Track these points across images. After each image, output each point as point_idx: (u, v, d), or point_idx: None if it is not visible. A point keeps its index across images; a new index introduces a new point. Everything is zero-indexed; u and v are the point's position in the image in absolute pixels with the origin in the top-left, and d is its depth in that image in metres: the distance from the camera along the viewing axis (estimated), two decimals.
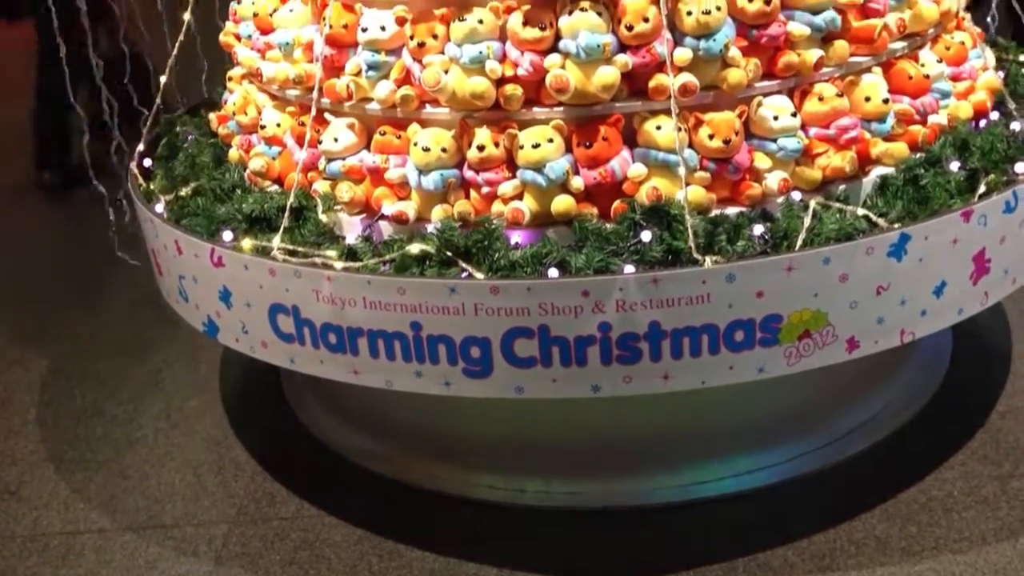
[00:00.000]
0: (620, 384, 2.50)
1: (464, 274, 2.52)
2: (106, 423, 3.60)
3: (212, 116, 3.48)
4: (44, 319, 4.34)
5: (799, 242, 2.48)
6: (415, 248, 2.58)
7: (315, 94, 2.79)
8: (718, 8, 2.57)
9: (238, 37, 3.29)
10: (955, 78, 2.99)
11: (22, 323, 4.31)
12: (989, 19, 4.01)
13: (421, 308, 2.50)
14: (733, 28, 2.61)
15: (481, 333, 2.49)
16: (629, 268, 2.44)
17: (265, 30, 3.09)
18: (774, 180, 2.65)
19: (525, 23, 2.61)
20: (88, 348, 4.08)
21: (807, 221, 2.54)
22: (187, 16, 3.33)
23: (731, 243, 2.50)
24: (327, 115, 2.88)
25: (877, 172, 2.75)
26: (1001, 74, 3.19)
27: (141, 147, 3.42)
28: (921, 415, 3.16)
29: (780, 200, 2.64)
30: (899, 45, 2.85)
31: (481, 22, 2.62)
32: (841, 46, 2.70)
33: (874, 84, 2.73)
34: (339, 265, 2.59)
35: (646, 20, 2.56)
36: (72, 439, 3.53)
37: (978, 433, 3.07)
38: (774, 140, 2.66)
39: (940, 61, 2.93)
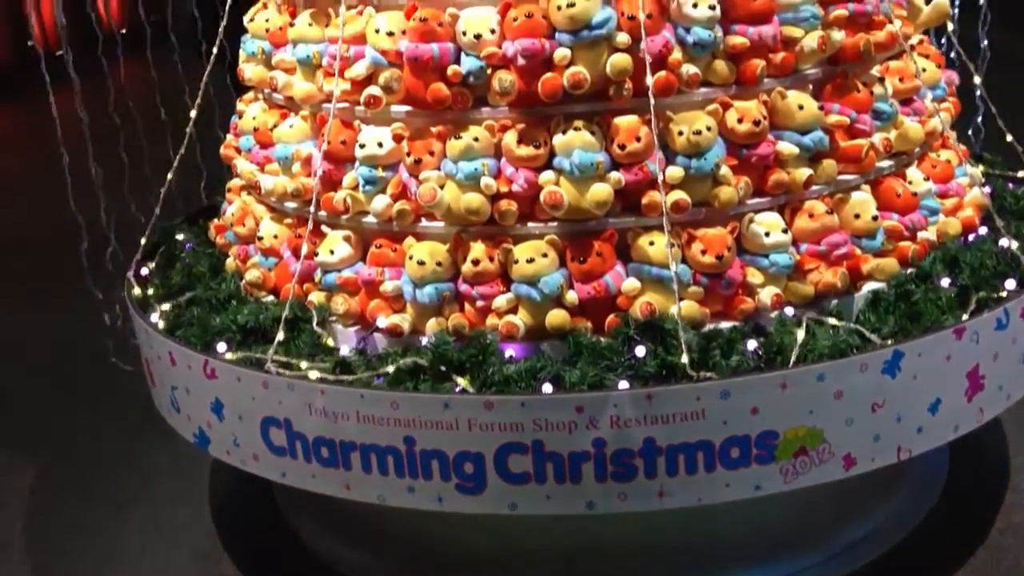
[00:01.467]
0: (615, 501, 2.47)
1: (458, 389, 2.51)
2: (92, 534, 3.53)
3: (211, 225, 3.52)
4: (35, 424, 4.29)
5: (793, 358, 2.49)
6: (409, 362, 2.58)
7: (312, 207, 2.83)
8: (708, 128, 2.63)
9: (238, 150, 3.35)
10: (942, 195, 3.04)
11: (12, 429, 4.26)
12: (970, 132, 4.12)
13: (414, 423, 2.49)
14: (723, 147, 2.67)
15: (475, 448, 2.47)
16: (623, 384, 2.44)
17: (265, 144, 3.15)
18: (767, 295, 2.67)
19: (520, 141, 2.66)
20: (78, 455, 4.03)
21: (800, 337, 2.55)
22: (190, 129, 3.40)
23: (725, 358, 2.50)
24: (324, 227, 2.91)
25: (869, 287, 2.77)
26: (988, 189, 3.24)
27: (138, 255, 3.44)
28: (919, 531, 3.12)
29: (773, 315, 2.66)
30: (886, 163, 2.91)
31: (477, 140, 2.68)
32: (830, 165, 2.76)
33: (863, 201, 2.78)
34: (332, 378, 2.58)
35: (638, 139, 2.61)
36: (59, 551, 3.46)
37: (978, 550, 3.03)
38: (766, 256, 2.69)
39: (927, 179, 2.99)
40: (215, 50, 3.29)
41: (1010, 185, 3.44)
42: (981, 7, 4.00)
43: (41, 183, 4.78)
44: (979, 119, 3.93)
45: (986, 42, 3.94)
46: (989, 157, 3.64)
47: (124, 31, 4.05)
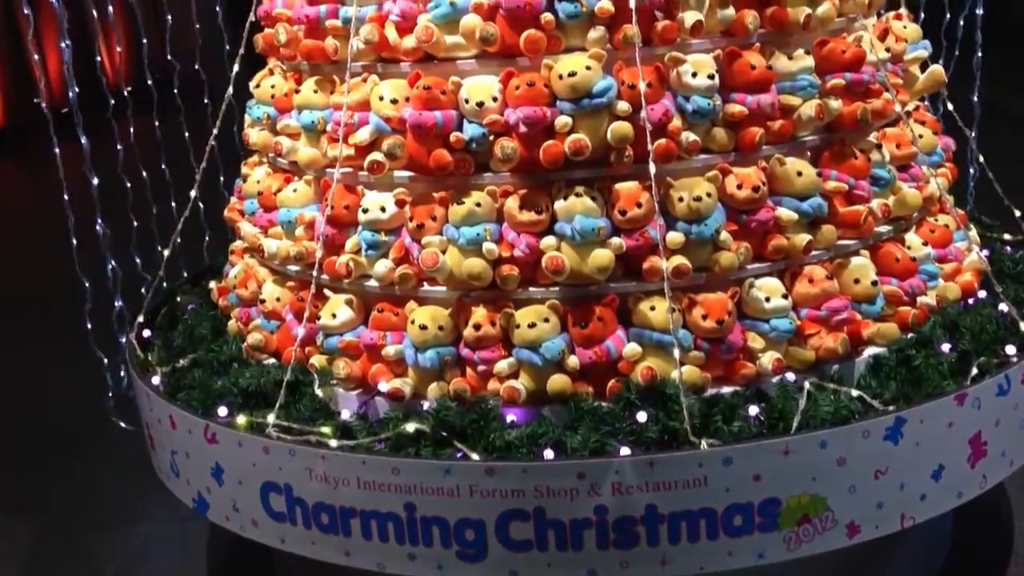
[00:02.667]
0: (617, 569, 2.45)
1: (459, 454, 2.50)
2: None
3: (213, 287, 3.54)
4: (31, 484, 4.27)
5: (795, 424, 2.49)
6: (410, 427, 2.58)
7: (315, 271, 2.84)
8: (708, 194, 2.65)
9: (242, 213, 3.38)
10: (941, 260, 3.06)
11: (7, 489, 4.24)
12: (969, 195, 4.16)
13: (415, 489, 2.47)
14: (723, 213, 2.69)
15: (476, 515, 2.45)
16: (625, 450, 2.44)
17: (269, 207, 3.17)
18: (768, 360, 2.67)
19: (522, 206, 2.69)
20: (74, 518, 4.00)
21: (802, 402, 2.55)
22: (194, 192, 3.43)
23: (727, 424, 2.50)
24: (326, 291, 2.92)
25: (869, 352, 2.78)
26: (986, 253, 3.26)
27: (141, 317, 3.45)
28: None
29: (774, 380, 2.66)
30: (885, 229, 2.93)
31: (479, 205, 2.70)
32: (829, 230, 2.78)
33: (863, 266, 2.80)
34: (333, 443, 2.58)
35: (639, 205, 2.63)
36: None
37: None
38: (766, 321, 2.70)
39: (926, 244, 3.01)
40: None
41: (1008, 249, 3.46)
42: (975, 71, 4.07)
43: (46, 241, 4.82)
44: (972, 184, 3.97)
45: (977, 96, 3.99)
46: (987, 220, 3.67)
47: (130, 88, 4.10)
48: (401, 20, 2.80)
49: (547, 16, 2.66)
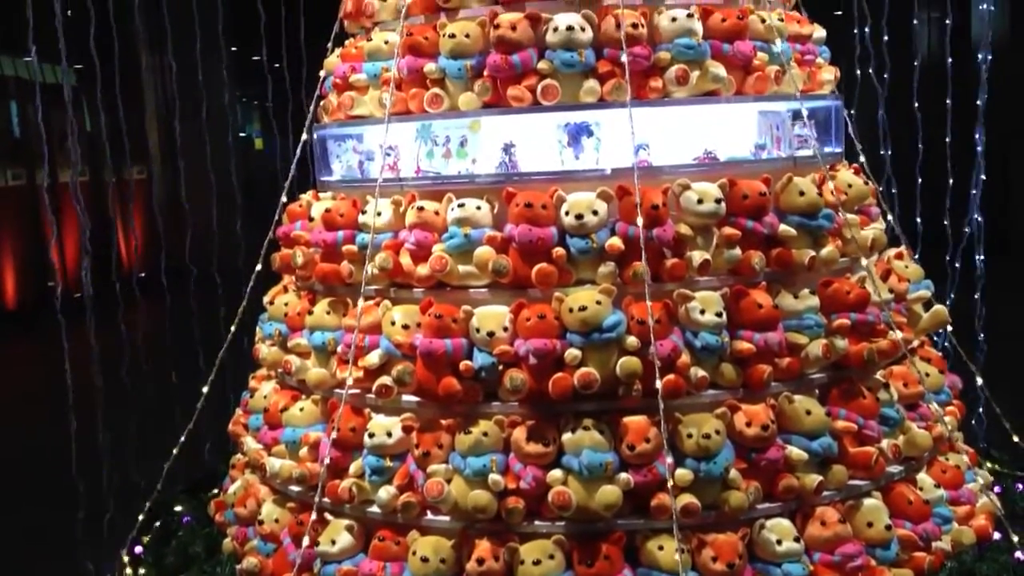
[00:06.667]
0: None
1: None
2: None
3: (211, 501, 3.46)
4: None
5: None
6: None
7: (317, 494, 2.79)
8: (717, 432, 2.64)
9: (246, 427, 3.35)
10: (954, 501, 3.01)
11: None
12: (974, 422, 4.13)
13: None
14: (733, 451, 2.66)
15: None
16: None
17: (274, 425, 3.15)
18: None
19: (529, 438, 2.66)
20: None
21: None
22: (199, 405, 3.42)
23: None
24: (327, 515, 2.86)
25: None
26: (998, 489, 3.21)
27: (134, 532, 3.37)
28: None
29: None
30: (896, 469, 2.89)
31: (486, 435, 2.68)
32: (840, 471, 2.75)
33: (875, 509, 2.75)
34: None
35: (647, 440, 2.61)
36: None
37: None
38: (779, 565, 2.62)
39: (938, 485, 2.96)
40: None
41: (1020, 486, 3.40)
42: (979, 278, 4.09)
43: (47, 437, 4.73)
44: (980, 409, 3.96)
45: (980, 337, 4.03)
46: (997, 455, 3.63)
47: (143, 274, 4.16)
48: (416, 248, 2.87)
49: (559, 250, 2.74)
